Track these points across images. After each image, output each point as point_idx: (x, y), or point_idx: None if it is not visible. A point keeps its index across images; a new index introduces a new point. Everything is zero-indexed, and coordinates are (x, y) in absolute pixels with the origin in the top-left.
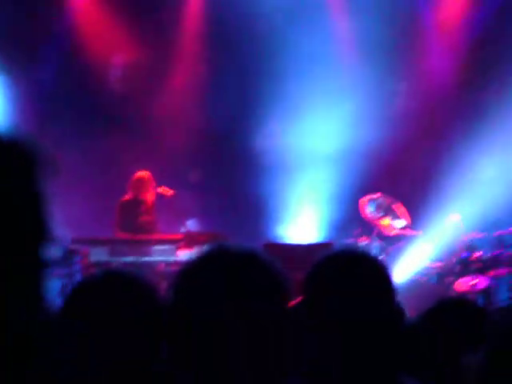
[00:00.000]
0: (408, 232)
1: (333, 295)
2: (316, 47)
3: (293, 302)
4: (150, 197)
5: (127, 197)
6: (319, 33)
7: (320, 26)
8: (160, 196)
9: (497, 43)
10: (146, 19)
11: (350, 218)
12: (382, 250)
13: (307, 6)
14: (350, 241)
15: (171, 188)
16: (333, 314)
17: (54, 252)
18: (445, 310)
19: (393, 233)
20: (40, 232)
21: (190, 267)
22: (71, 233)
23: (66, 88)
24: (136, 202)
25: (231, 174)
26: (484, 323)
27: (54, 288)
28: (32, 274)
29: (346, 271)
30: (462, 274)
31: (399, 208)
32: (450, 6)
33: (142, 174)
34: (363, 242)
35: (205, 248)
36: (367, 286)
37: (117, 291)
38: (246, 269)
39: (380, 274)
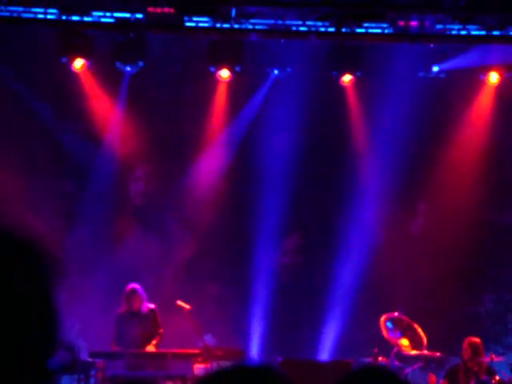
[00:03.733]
0: (426, 353)
1: None
2: None
3: None
4: (144, 308)
5: (122, 309)
6: None
7: None
8: (178, 310)
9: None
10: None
11: (367, 337)
12: (400, 370)
13: None
14: (367, 360)
15: (189, 301)
16: None
17: (66, 360)
18: None
19: (412, 353)
20: (50, 338)
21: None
22: (89, 345)
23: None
24: (130, 315)
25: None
26: None
27: None
28: (39, 377)
29: None
30: None
31: (417, 328)
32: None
33: (134, 286)
34: (381, 362)
35: (222, 365)
36: None
37: None
38: None
39: None
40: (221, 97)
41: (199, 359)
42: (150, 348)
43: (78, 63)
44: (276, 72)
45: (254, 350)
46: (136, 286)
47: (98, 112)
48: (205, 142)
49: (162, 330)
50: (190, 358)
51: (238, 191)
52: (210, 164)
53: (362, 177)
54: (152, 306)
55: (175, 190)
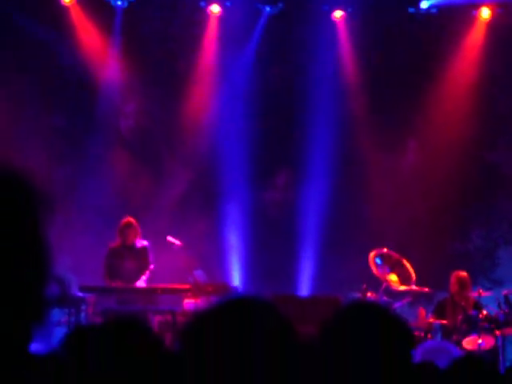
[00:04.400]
0: (415, 288)
1: (355, 349)
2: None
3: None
4: (138, 243)
5: (115, 243)
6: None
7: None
8: (169, 245)
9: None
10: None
11: (357, 273)
12: (389, 305)
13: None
14: (356, 295)
15: (179, 238)
16: (352, 368)
17: (57, 294)
18: (460, 369)
19: (400, 288)
20: (41, 272)
21: (205, 317)
22: (79, 280)
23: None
24: (123, 248)
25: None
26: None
27: (59, 335)
28: (32, 310)
29: (372, 326)
30: (468, 331)
31: (406, 264)
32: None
33: (129, 219)
34: (370, 297)
35: (219, 298)
36: (390, 342)
37: (124, 339)
38: (264, 321)
39: (403, 331)
40: (211, 32)
41: (189, 294)
42: (140, 283)
43: None
44: (268, 9)
45: (242, 286)
46: (131, 219)
47: (88, 46)
48: (196, 78)
49: (152, 267)
50: (180, 293)
51: (227, 127)
52: (202, 99)
53: (353, 114)
54: (145, 242)
55: (166, 124)
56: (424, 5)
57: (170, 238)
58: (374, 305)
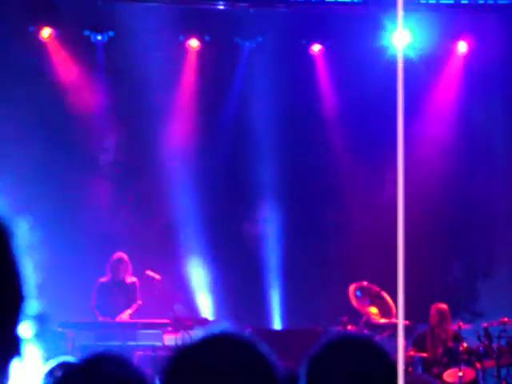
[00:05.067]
0: (395, 321)
1: (341, 380)
2: None
3: None
4: (128, 278)
5: (105, 278)
6: None
7: None
8: (148, 280)
9: None
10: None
11: (336, 306)
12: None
13: None
14: (337, 328)
15: (159, 273)
16: None
17: (35, 330)
18: None
19: (381, 321)
20: (17, 307)
21: (186, 353)
22: (58, 316)
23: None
24: (114, 284)
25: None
26: None
27: (42, 371)
28: (7, 347)
29: (357, 358)
30: (448, 364)
31: (385, 296)
32: None
33: (121, 255)
34: (350, 330)
35: (206, 331)
36: (376, 374)
37: (108, 374)
38: (249, 357)
39: (387, 361)
40: (190, 66)
41: (169, 329)
42: (124, 316)
43: (46, 32)
44: (248, 44)
45: (222, 321)
46: (123, 255)
47: (66, 80)
48: (175, 112)
49: (140, 302)
50: (160, 328)
51: (209, 165)
52: (180, 134)
53: (332, 147)
54: (134, 278)
55: (145, 159)
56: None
57: (149, 272)
58: (360, 337)
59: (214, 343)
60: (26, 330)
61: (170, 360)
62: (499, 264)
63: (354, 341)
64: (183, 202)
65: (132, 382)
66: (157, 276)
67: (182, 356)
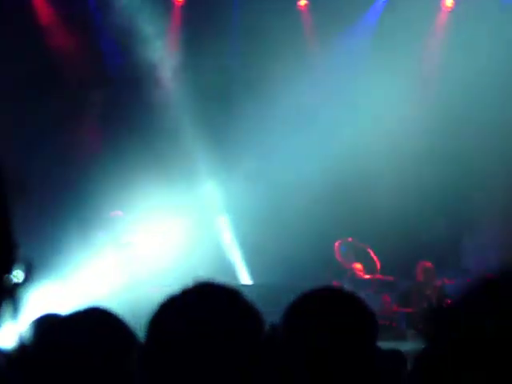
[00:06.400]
0: (380, 277)
1: (316, 333)
2: None
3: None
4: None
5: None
6: None
7: None
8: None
9: None
10: None
11: (321, 262)
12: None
13: None
14: (321, 283)
15: None
16: (315, 352)
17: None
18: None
19: (365, 277)
20: (6, 253)
21: (169, 304)
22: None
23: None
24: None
25: None
26: None
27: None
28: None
29: (333, 308)
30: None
31: (370, 252)
32: None
33: (118, 212)
34: (335, 286)
35: (188, 284)
36: (353, 324)
37: (94, 327)
38: (234, 305)
39: (365, 313)
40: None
41: None
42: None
43: None
44: None
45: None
46: (120, 213)
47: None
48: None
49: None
50: None
51: None
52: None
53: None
54: (131, 238)
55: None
56: None
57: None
58: (341, 291)
59: (199, 293)
60: (16, 276)
61: (156, 310)
62: (484, 220)
63: (334, 294)
64: None
65: (119, 335)
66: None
67: (167, 305)
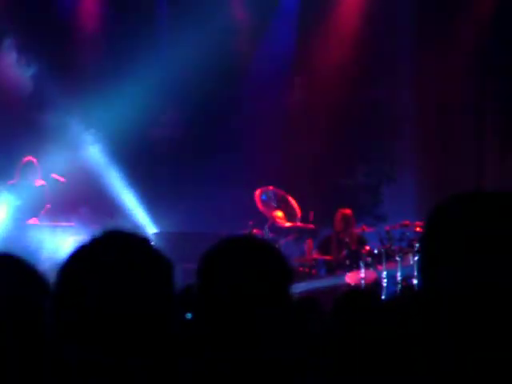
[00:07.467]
0: (300, 225)
1: (230, 280)
2: None
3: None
4: (37, 182)
5: (12, 180)
6: None
7: None
8: (54, 182)
9: None
10: None
11: (242, 209)
12: (275, 241)
13: None
14: (242, 232)
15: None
16: (230, 299)
17: None
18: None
19: (286, 225)
20: None
21: (83, 250)
22: None
23: None
24: (22, 186)
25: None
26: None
27: None
28: None
29: (249, 258)
30: (351, 266)
31: (291, 200)
32: None
33: (31, 158)
34: (256, 234)
35: (97, 232)
36: (270, 277)
37: (4, 274)
38: (141, 254)
39: (279, 261)
40: None
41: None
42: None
43: None
44: None
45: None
46: (32, 158)
47: None
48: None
49: (49, 205)
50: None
51: None
52: None
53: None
54: (43, 182)
55: None
56: None
57: (54, 175)
58: (256, 239)
59: (107, 242)
60: None
61: (66, 259)
62: (403, 169)
63: (244, 242)
64: None
65: (31, 282)
66: (62, 178)
67: (77, 254)
